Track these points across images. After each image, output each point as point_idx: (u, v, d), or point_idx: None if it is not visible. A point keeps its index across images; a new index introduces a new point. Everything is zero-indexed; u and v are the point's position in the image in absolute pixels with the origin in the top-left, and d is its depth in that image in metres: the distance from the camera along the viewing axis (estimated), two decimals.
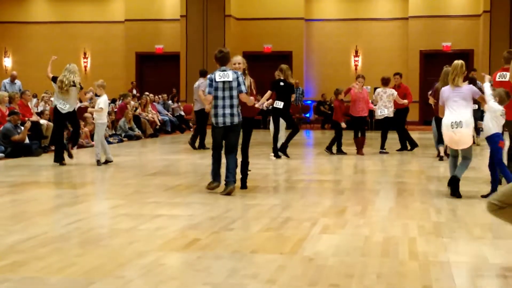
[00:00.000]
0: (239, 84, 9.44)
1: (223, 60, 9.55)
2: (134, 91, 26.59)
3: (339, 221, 7.41)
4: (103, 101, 13.47)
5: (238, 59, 10.07)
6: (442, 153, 14.09)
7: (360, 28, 29.67)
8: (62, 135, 13.66)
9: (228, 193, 9.28)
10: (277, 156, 14.44)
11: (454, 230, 6.87)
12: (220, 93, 9.41)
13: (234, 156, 9.52)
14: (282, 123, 14.73)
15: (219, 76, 9.42)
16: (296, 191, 9.93)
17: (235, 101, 9.47)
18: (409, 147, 16.40)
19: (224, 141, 9.57)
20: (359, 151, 15.36)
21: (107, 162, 13.32)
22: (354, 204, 8.61)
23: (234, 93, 9.44)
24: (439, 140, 13.78)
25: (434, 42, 28.69)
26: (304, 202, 8.78)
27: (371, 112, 17.09)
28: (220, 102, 9.42)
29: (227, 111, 9.41)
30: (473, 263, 5.56)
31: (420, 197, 9.16)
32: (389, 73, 17.39)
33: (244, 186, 10.02)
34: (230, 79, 9.40)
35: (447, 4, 28.87)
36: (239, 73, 9.55)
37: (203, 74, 17.33)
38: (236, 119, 9.46)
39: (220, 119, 9.43)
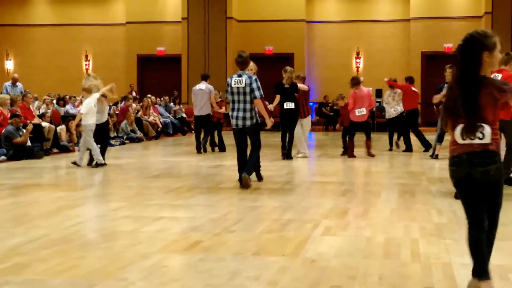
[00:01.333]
0: (252, 90, 9.95)
1: (242, 64, 10.13)
2: (134, 93, 26.61)
3: (341, 222, 7.41)
4: (84, 105, 13.41)
5: (250, 65, 10.60)
6: (437, 152, 14.60)
7: (361, 30, 29.70)
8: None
9: (244, 185, 9.90)
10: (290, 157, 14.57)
11: (456, 232, 6.86)
12: (235, 97, 10.04)
13: (255, 153, 10.17)
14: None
15: (234, 82, 10.03)
16: (297, 192, 9.94)
17: (248, 105, 10.02)
18: (404, 148, 16.64)
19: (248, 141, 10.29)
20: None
21: (97, 164, 13.30)
22: (356, 206, 8.60)
23: (248, 97, 9.99)
24: (439, 138, 14.29)
25: (436, 44, 28.69)
26: (306, 203, 8.77)
27: (372, 114, 17.50)
28: (235, 106, 10.06)
29: (240, 114, 9.98)
30: None
31: (421, 199, 9.15)
32: (390, 75, 17.48)
33: (259, 178, 10.78)
34: (243, 85, 9.97)
35: (449, 6, 28.89)
36: (254, 78, 10.01)
37: (205, 78, 17.29)
38: (248, 122, 10.01)
39: (234, 121, 10.11)
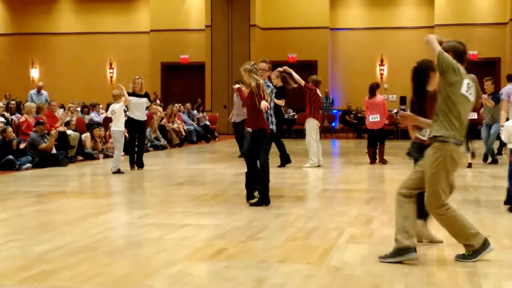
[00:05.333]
0: None
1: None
2: (158, 101, 26.70)
3: (366, 230, 7.39)
4: (111, 109, 13.99)
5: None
6: (470, 160, 14.08)
7: (385, 37, 29.59)
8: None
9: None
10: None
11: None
12: None
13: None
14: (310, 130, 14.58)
15: None
16: (322, 200, 9.91)
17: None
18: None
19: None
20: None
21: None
22: (381, 214, 8.56)
23: None
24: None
25: None
26: (330, 211, 8.75)
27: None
28: None
29: None
30: (502, 273, 5.51)
31: None
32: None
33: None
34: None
35: (473, 12, 28.70)
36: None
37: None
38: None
39: None
